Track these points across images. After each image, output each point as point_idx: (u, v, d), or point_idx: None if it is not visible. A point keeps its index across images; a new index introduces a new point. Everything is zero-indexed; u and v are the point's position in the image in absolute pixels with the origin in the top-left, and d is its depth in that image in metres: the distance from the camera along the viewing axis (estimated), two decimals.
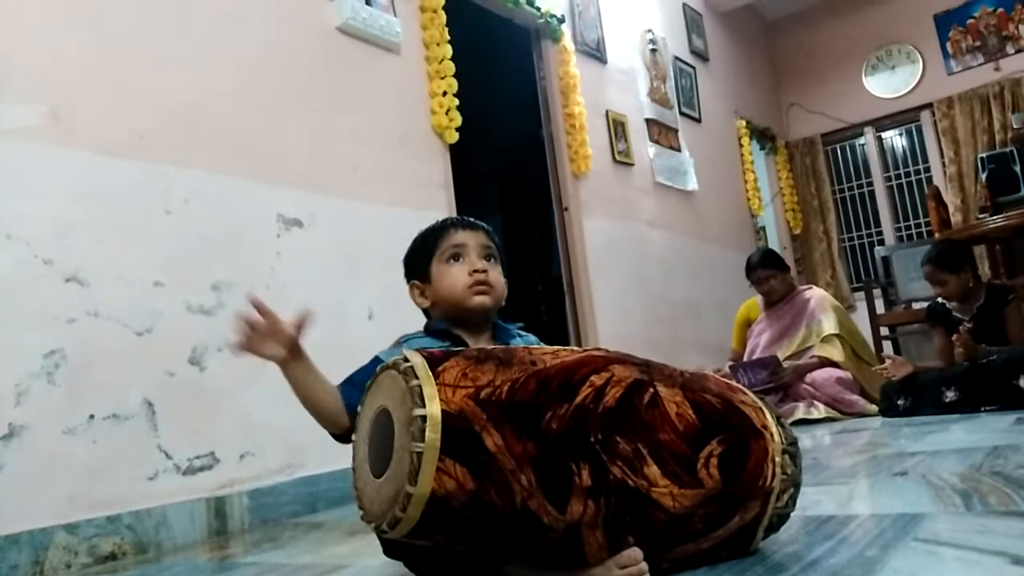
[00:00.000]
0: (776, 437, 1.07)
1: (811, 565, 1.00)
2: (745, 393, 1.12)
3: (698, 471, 0.98)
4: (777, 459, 1.06)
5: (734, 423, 1.04)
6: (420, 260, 1.33)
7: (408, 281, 1.36)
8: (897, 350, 4.88)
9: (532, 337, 1.35)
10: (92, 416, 1.87)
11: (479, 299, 1.27)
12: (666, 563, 1.01)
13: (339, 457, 1.24)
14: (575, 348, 1.03)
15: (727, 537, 1.04)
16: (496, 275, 1.30)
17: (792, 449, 1.09)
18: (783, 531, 1.13)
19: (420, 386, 0.88)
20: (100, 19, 2.11)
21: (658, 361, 1.07)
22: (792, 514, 1.12)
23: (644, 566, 0.93)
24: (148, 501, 1.93)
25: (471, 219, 1.36)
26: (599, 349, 1.04)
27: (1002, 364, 2.80)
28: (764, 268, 3.69)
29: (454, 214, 3.06)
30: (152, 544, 1.90)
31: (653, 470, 0.95)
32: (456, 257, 1.29)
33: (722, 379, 1.14)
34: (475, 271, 1.27)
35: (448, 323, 1.30)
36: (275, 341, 1.18)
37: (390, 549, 1.13)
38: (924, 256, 3.19)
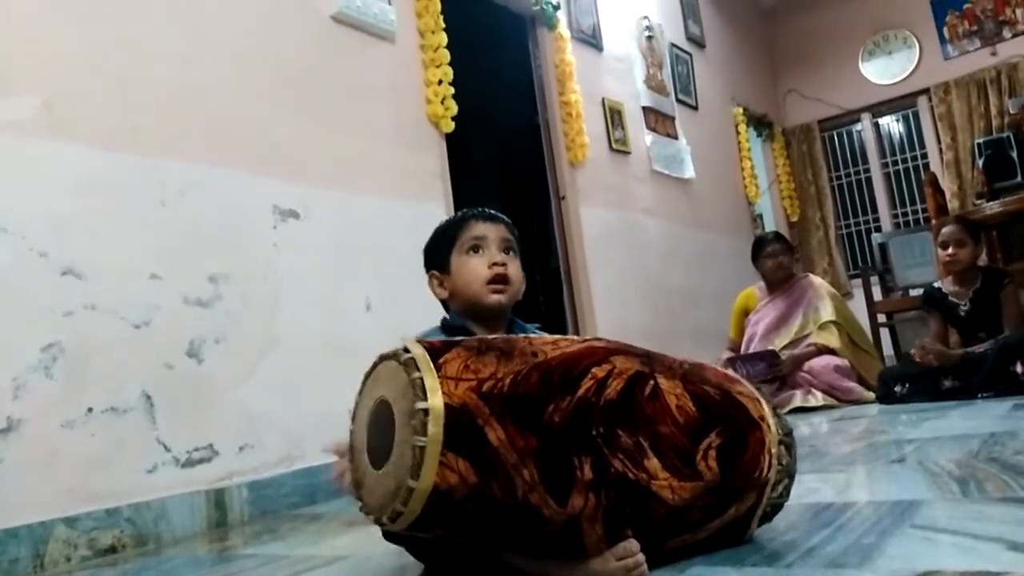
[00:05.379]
0: (772, 428, 1.08)
1: (809, 552, 1.01)
2: (743, 384, 1.13)
3: (697, 463, 0.98)
4: (773, 450, 1.07)
5: (732, 415, 1.05)
6: (440, 250, 1.34)
7: (427, 271, 1.37)
8: (894, 337, 4.89)
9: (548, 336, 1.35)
10: (90, 409, 1.87)
11: (495, 297, 1.28)
12: (663, 553, 1.02)
13: None
14: (574, 337, 1.02)
15: (722, 527, 1.05)
16: (515, 268, 1.31)
17: (788, 440, 1.10)
18: (781, 519, 1.14)
19: (422, 378, 0.87)
20: (93, 10, 2.09)
21: (657, 351, 1.07)
22: (790, 502, 1.13)
23: (641, 557, 0.94)
24: (147, 494, 1.93)
25: (492, 211, 1.35)
26: (599, 339, 1.03)
27: (998, 351, 2.81)
28: (780, 242, 3.76)
29: (451, 205, 3.06)
30: (152, 536, 1.91)
31: (653, 463, 0.95)
32: (476, 249, 1.30)
33: (720, 369, 1.15)
34: (495, 264, 1.28)
35: (465, 317, 1.30)
36: None
37: (389, 535, 1.14)
38: (952, 218, 3.42)
